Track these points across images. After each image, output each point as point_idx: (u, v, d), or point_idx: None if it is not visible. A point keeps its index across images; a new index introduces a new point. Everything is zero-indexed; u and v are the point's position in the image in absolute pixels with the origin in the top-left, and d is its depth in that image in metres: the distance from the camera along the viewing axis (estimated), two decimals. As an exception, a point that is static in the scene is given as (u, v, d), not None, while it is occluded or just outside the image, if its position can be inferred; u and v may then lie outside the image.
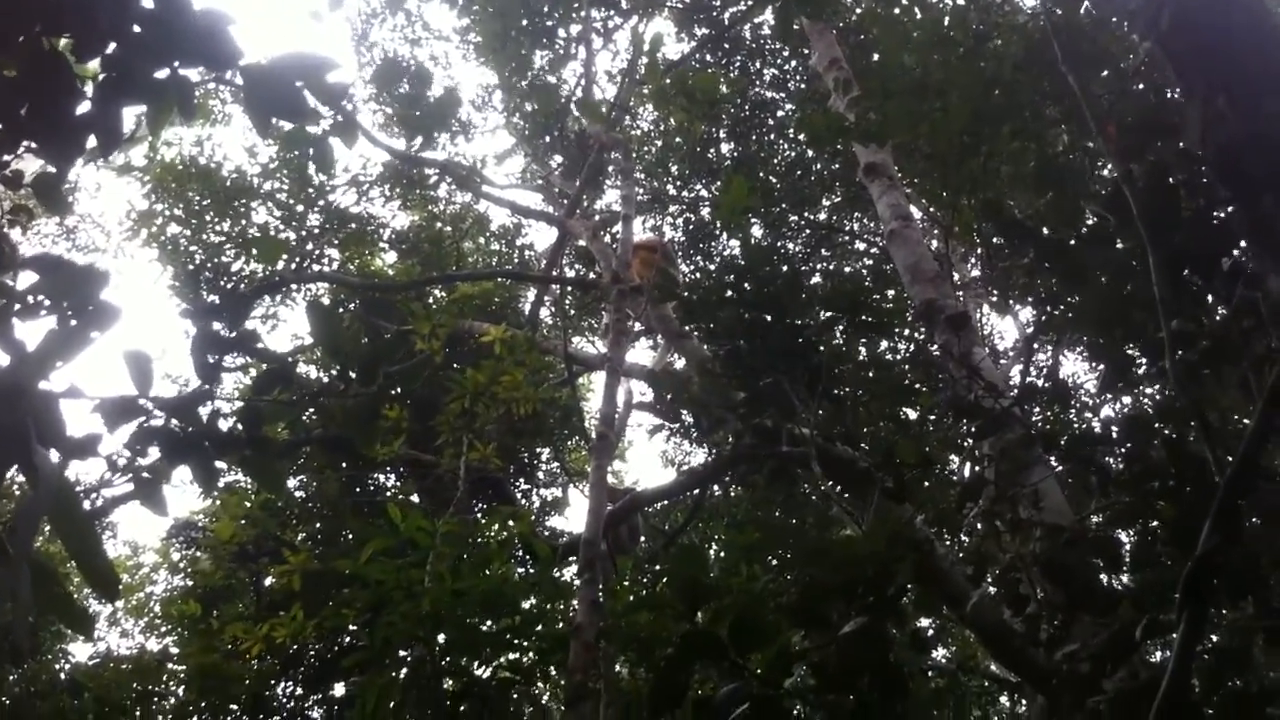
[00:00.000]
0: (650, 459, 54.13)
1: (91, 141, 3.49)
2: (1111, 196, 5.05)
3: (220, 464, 4.02)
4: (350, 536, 12.60)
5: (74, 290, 3.27)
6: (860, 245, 17.45)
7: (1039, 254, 5.05)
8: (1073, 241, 5.26)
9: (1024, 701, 15.05)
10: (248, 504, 13.21)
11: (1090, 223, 5.34)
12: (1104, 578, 5.26)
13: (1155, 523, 5.03)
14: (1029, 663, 7.46)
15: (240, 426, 3.96)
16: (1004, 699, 15.96)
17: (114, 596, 3.19)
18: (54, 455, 3.28)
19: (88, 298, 3.21)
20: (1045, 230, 5.29)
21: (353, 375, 4.18)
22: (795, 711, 6.18)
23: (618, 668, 10.53)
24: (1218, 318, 4.98)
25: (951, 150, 6.60)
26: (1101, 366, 6.09)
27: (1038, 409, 5.58)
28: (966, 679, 14.84)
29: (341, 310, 14.46)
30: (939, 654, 16.15)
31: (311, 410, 13.49)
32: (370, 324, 11.20)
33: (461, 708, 7.34)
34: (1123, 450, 5.00)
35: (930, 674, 13.82)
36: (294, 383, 4.26)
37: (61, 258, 3.49)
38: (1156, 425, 4.95)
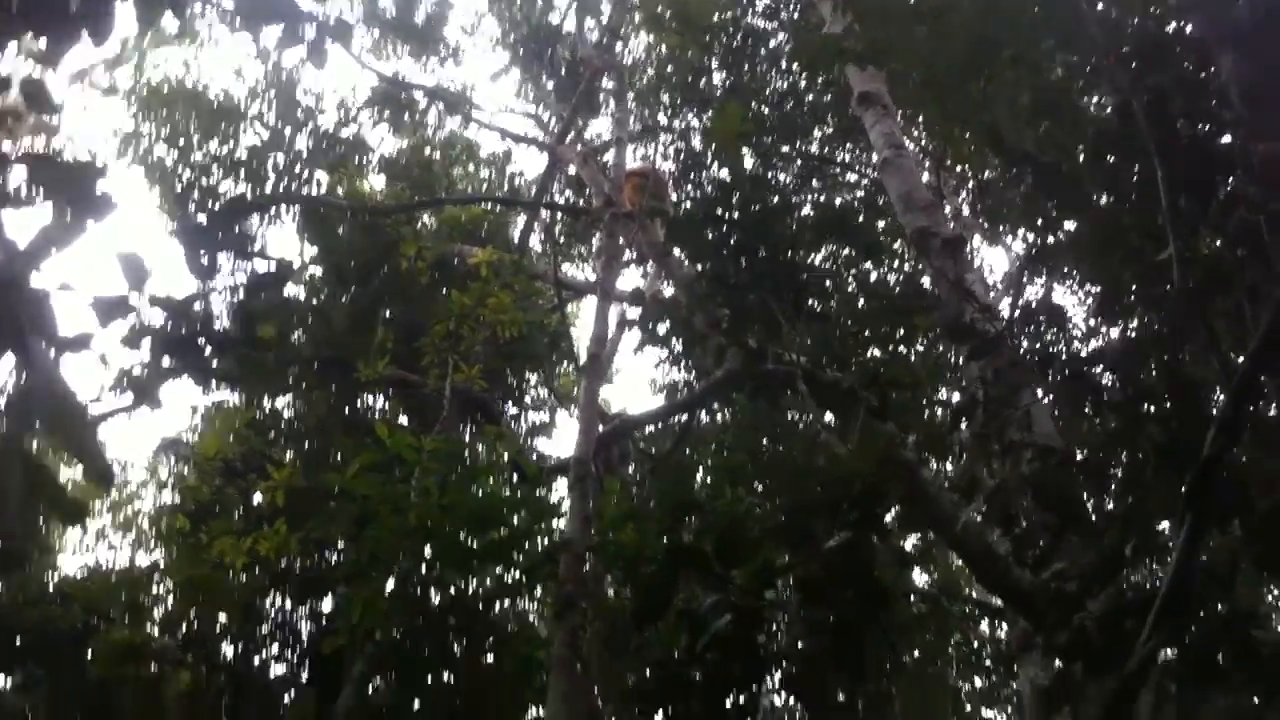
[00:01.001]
0: (639, 385, 54.07)
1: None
2: (1111, 121, 5.05)
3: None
4: (338, 457, 12.63)
5: (69, 183, 3.24)
6: (851, 177, 17.36)
7: (1037, 179, 5.04)
8: (1069, 168, 5.27)
9: (1004, 626, 15.24)
10: (235, 422, 13.22)
11: (1088, 150, 5.33)
12: (1092, 501, 5.32)
13: (1142, 451, 5.06)
14: (1013, 585, 7.51)
15: (234, 326, 3.95)
16: (985, 624, 16.14)
17: (109, 485, 3.19)
18: (45, 348, 3.27)
19: (84, 189, 3.18)
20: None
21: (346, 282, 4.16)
22: (775, 626, 6.27)
23: (609, 590, 10.66)
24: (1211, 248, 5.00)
25: (950, 76, 6.55)
26: (1095, 294, 6.10)
27: (1030, 334, 5.58)
28: (949, 604, 15.00)
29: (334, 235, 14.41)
30: (922, 580, 16.31)
31: (300, 331, 13.50)
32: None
33: (449, 620, 7.40)
34: (1116, 374, 5.02)
35: (913, 599, 13.97)
36: (287, 283, 4.25)
37: (54, 155, 3.47)
38: (1150, 351, 4.98)
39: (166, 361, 3.89)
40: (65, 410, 2.93)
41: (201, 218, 14.21)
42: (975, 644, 16.20)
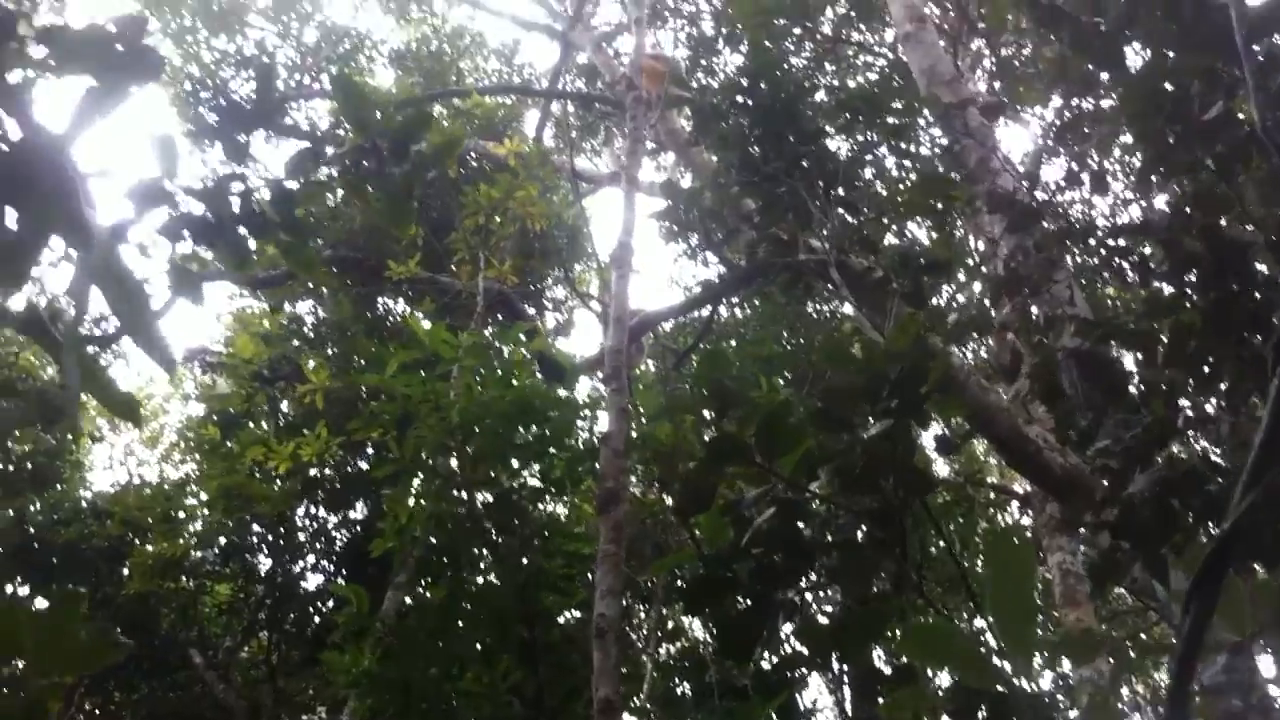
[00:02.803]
0: (652, 282, 53.90)
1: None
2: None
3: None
4: (363, 360, 12.63)
5: (108, 44, 3.09)
6: (866, 58, 17.05)
7: (1075, 39, 4.91)
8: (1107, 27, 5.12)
9: (1029, 511, 15.33)
10: (263, 326, 13.19)
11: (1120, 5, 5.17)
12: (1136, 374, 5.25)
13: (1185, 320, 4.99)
14: (1045, 469, 7.51)
15: (273, 209, 3.86)
16: (1011, 510, 16.24)
17: (171, 367, 3.12)
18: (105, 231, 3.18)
19: (129, 48, 3.03)
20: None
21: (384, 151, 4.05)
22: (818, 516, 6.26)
23: (638, 487, 10.69)
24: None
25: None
26: (1135, 159, 5.97)
27: (1068, 206, 5.50)
28: (974, 491, 15.07)
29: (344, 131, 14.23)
30: (945, 468, 16.38)
31: (319, 235, 13.38)
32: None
33: (494, 518, 7.43)
34: (1158, 243, 4.92)
35: (939, 486, 14.02)
36: (324, 161, 4.14)
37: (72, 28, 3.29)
38: (1193, 216, 4.88)
39: (205, 250, 3.82)
40: (127, 293, 2.84)
41: (196, 117, 14.02)
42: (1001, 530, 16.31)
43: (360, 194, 4.17)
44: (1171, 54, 4.80)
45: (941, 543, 14.43)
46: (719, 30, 15.41)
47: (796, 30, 16.32)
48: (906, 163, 10.87)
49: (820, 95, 14.29)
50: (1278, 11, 4.44)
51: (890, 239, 10.63)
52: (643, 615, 11.75)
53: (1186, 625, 2.02)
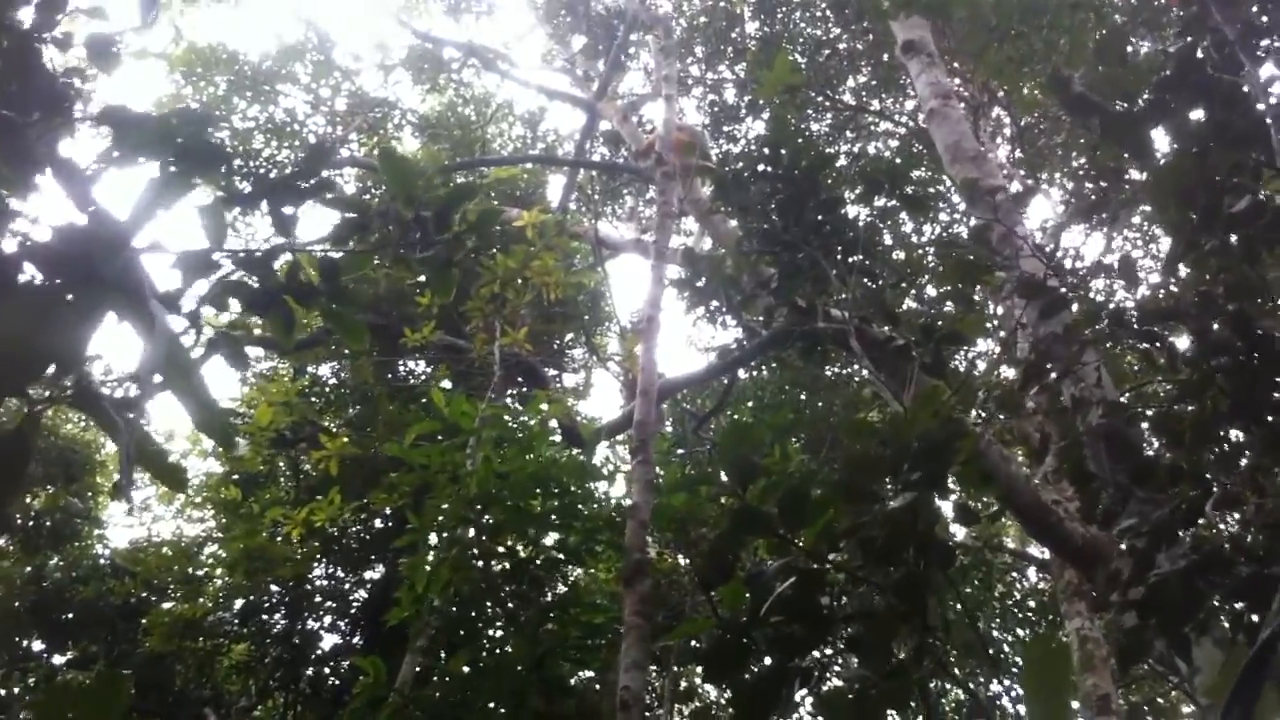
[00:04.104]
0: (672, 345, 53.86)
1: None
2: (1174, 62, 4.97)
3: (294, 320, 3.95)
4: (384, 423, 12.67)
5: (170, 137, 3.16)
6: (886, 126, 17.23)
7: (1104, 127, 4.96)
8: (1136, 114, 5.17)
9: (1048, 577, 15.28)
10: (286, 390, 13.27)
11: (1152, 96, 5.24)
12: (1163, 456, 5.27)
13: (1213, 403, 5.01)
14: (1066, 539, 7.53)
15: (319, 279, 3.90)
16: (1029, 573, 16.19)
17: (228, 444, 3.17)
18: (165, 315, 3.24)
19: (196, 141, 3.10)
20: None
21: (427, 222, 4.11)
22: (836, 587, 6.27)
23: (655, 551, 10.68)
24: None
25: (1012, 22, 6.44)
26: (1163, 245, 6.02)
27: (1096, 291, 5.55)
28: (991, 556, 15.04)
29: (369, 197, 14.38)
30: (963, 533, 16.36)
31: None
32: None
33: (511, 588, 7.43)
34: (1187, 328, 4.96)
35: (957, 551, 13.99)
36: (371, 231, 4.20)
37: (132, 109, 3.35)
38: (1222, 302, 4.91)
39: (253, 320, 3.87)
40: (183, 370, 2.90)
41: (230, 185, 14.16)
42: (1018, 595, 16.28)
43: (403, 263, 4.23)
44: (1198, 142, 4.86)
45: (959, 607, 14.42)
46: (740, 98, 15.60)
47: (818, 98, 16.52)
48: (926, 230, 10.95)
49: (841, 161, 14.47)
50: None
51: (910, 303, 10.68)
52: (655, 679, 11.70)
53: (1230, 734, 2.02)
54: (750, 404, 15.48)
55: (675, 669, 10.62)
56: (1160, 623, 4.76)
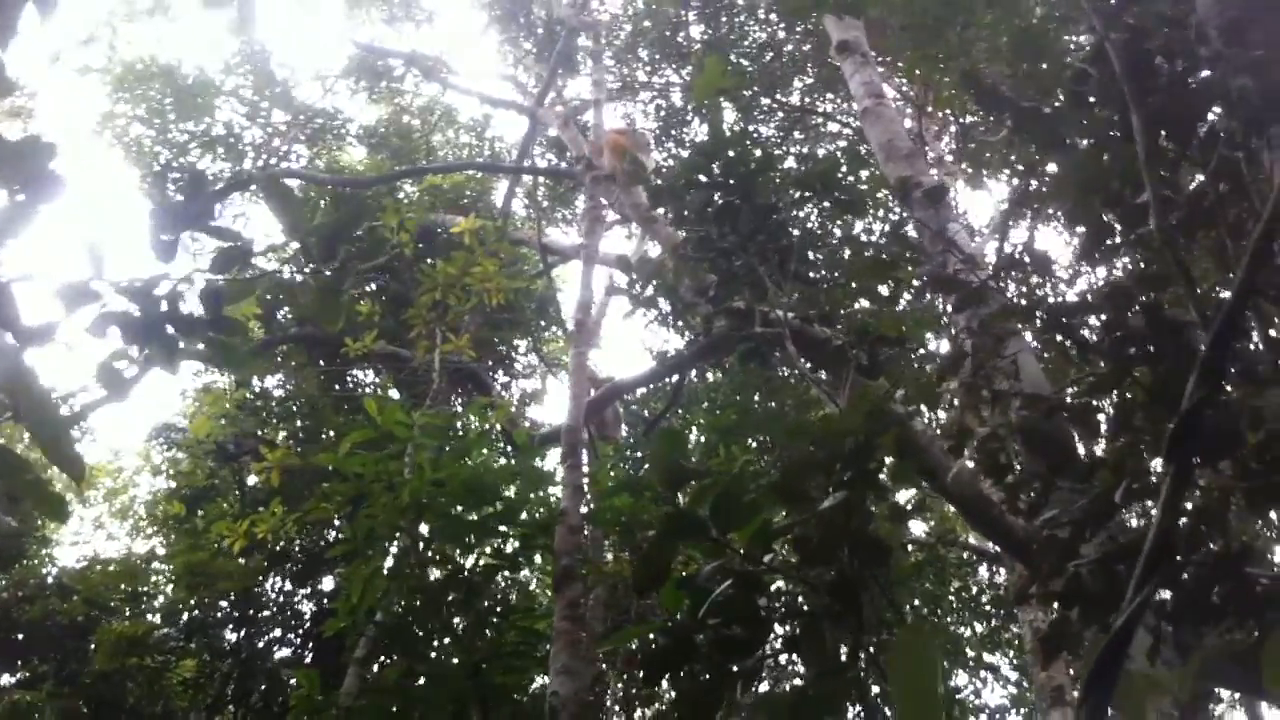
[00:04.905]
0: (631, 349, 54.17)
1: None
2: (1091, 59, 4.99)
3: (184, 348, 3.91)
4: (331, 434, 12.62)
5: (17, 164, 3.14)
6: (834, 127, 17.28)
7: (1017, 122, 4.98)
8: (1049, 110, 5.21)
9: (1002, 571, 15.36)
10: (225, 403, 13.20)
11: (1066, 92, 5.27)
12: (1082, 447, 5.29)
13: (1130, 393, 5.04)
14: (1008, 532, 7.55)
15: (201, 308, 3.87)
16: (982, 569, 16.27)
17: (81, 478, 3.13)
18: (10, 340, 3.22)
19: (34, 170, 3.08)
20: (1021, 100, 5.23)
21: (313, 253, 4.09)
22: (776, 587, 6.27)
23: (607, 554, 10.66)
24: (1193, 185, 4.96)
25: (928, 20, 6.47)
26: (1078, 238, 6.05)
27: (1015, 282, 5.54)
28: (946, 551, 15.11)
29: (314, 209, 14.31)
30: (920, 529, 16.42)
31: (287, 310, 13.44)
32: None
33: (449, 596, 7.38)
34: (1101, 319, 4.98)
35: (911, 548, 14.05)
36: (252, 261, 4.17)
37: None
38: (1134, 293, 4.94)
39: (134, 350, 3.82)
40: (35, 403, 2.87)
41: (164, 197, 14.14)
42: (974, 590, 16.36)
43: (289, 292, 4.20)
44: (1109, 134, 4.90)
45: (915, 603, 14.46)
46: (687, 102, 15.60)
47: (766, 100, 16.55)
48: (864, 236, 10.98)
49: (790, 163, 14.49)
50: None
51: (863, 302, 10.71)
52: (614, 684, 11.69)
53: (1084, 717, 2.02)
54: (705, 405, 15.50)
55: (624, 675, 10.60)
56: (1082, 613, 4.78)
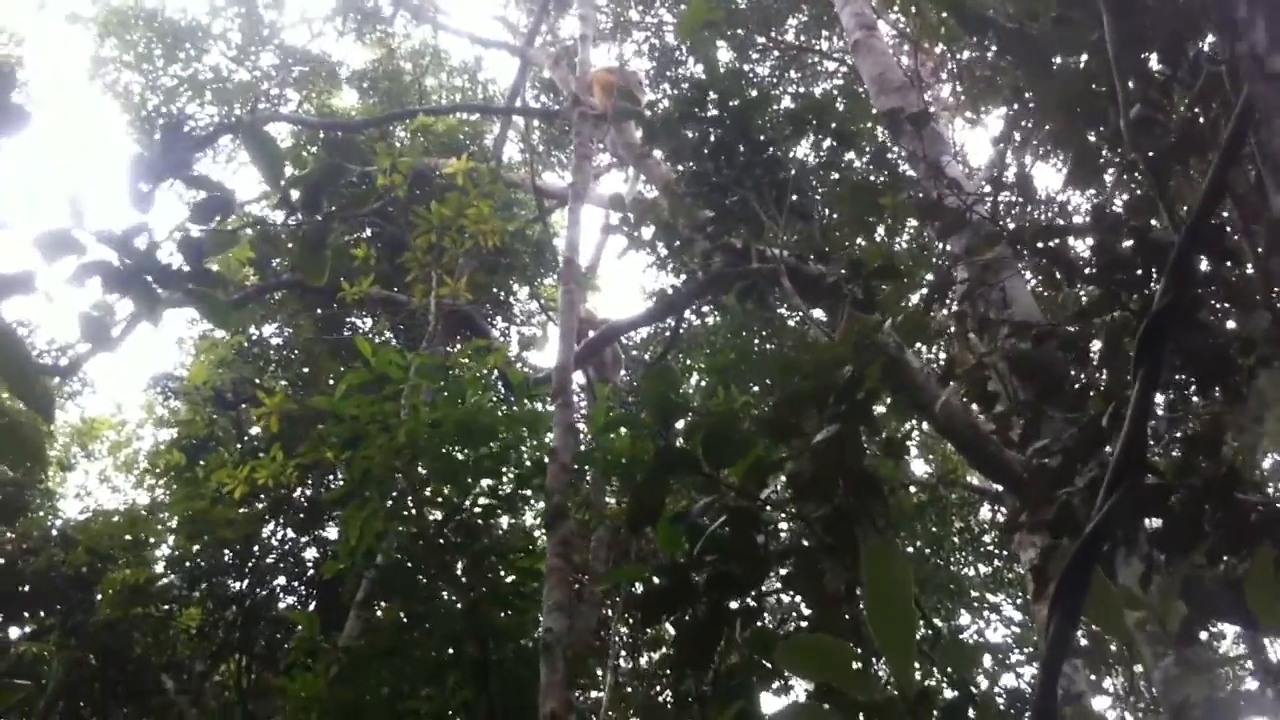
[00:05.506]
0: (630, 294, 54.12)
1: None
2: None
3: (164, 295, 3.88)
4: (330, 380, 12.61)
5: None
6: (830, 66, 17.11)
7: (1001, 45, 4.93)
8: (1034, 32, 5.14)
9: (1003, 510, 15.36)
10: (223, 351, 13.18)
11: (1051, 14, 5.21)
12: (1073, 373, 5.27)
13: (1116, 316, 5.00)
14: (1004, 466, 7.52)
15: (180, 258, 3.84)
16: (985, 509, 16.28)
17: (50, 414, 3.11)
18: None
19: None
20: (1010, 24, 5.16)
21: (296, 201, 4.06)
22: (773, 525, 6.27)
23: (609, 499, 10.67)
24: (1183, 109, 4.90)
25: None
26: (1065, 160, 6.00)
27: (1004, 208, 5.49)
28: (947, 491, 15.11)
29: (304, 154, 14.23)
30: (921, 469, 16.41)
31: (282, 257, 13.39)
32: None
33: (443, 538, 7.40)
34: (1089, 243, 4.94)
35: (912, 488, 14.05)
36: (234, 210, 4.12)
37: None
38: (1122, 217, 4.90)
39: (116, 299, 3.80)
40: (3, 345, 2.85)
41: (151, 143, 14.05)
42: (977, 531, 16.38)
43: (273, 243, 4.18)
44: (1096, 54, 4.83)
45: (918, 543, 14.48)
46: (680, 41, 15.43)
47: (761, 39, 16.38)
48: (860, 169, 10.90)
49: (786, 102, 14.35)
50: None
51: (862, 241, 10.64)
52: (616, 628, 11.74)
53: (1053, 627, 2.01)
54: (706, 350, 15.46)
55: (628, 618, 10.63)
56: (1073, 541, 4.76)
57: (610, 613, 10.50)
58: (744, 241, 8.58)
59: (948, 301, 5.55)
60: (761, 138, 8.81)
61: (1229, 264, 4.45)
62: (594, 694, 11.34)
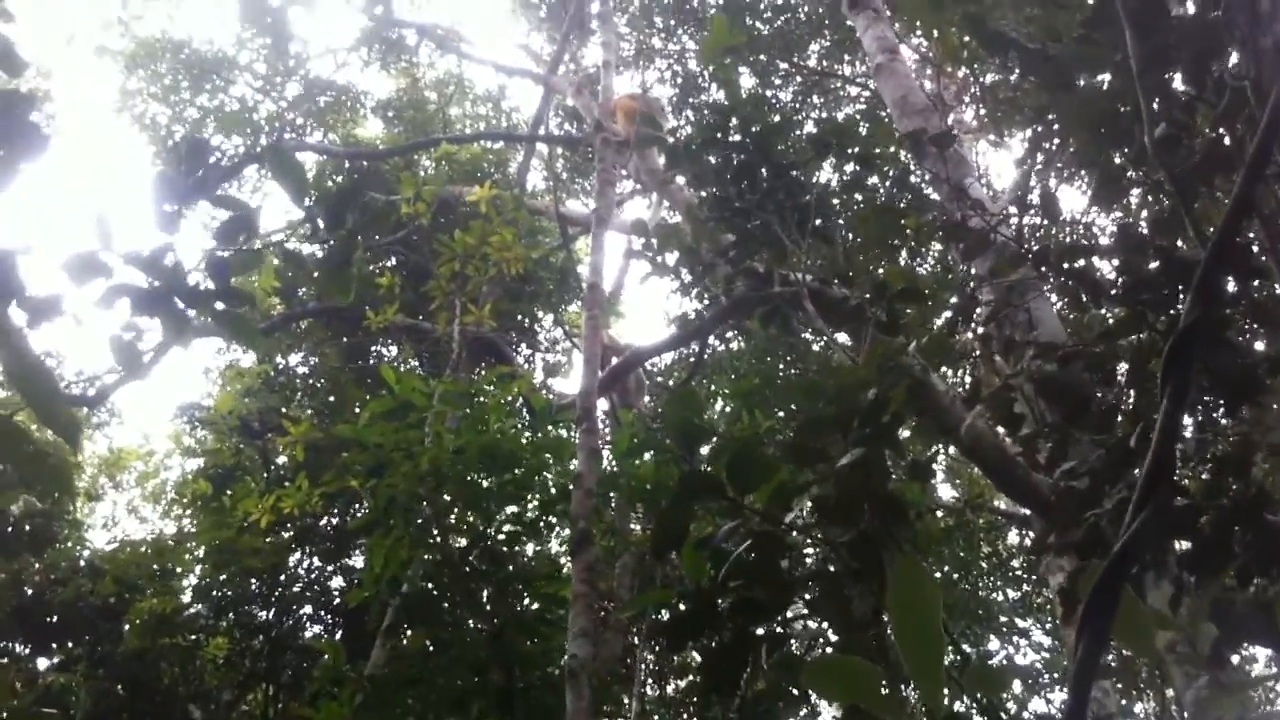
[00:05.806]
0: (653, 321, 54.18)
1: None
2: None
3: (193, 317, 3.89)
4: (356, 409, 12.64)
5: None
6: (852, 91, 17.14)
7: (1023, 66, 4.91)
8: (1055, 52, 5.13)
9: (1030, 534, 15.25)
10: (249, 380, 13.23)
11: (1074, 34, 5.20)
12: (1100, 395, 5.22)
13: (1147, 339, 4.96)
14: (1031, 489, 7.46)
15: (208, 279, 3.84)
16: (1013, 534, 16.18)
17: (77, 442, 3.10)
18: (18, 313, 3.21)
19: (12, 124, 3.04)
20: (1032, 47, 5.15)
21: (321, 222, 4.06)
22: (798, 550, 6.23)
23: (634, 525, 10.63)
24: (1207, 128, 4.87)
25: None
26: (1089, 180, 5.96)
27: (1028, 229, 5.46)
28: (974, 515, 15.01)
29: (329, 183, 14.32)
30: (949, 494, 16.32)
31: (307, 287, 13.45)
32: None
33: (472, 565, 7.39)
34: (1115, 263, 4.91)
35: (939, 512, 13.97)
36: (257, 230, 4.13)
37: None
38: (1148, 236, 4.87)
39: (144, 322, 3.80)
40: (24, 365, 2.84)
41: (168, 168, 14.13)
42: (1004, 555, 16.26)
43: (297, 264, 4.18)
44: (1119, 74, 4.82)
45: (945, 568, 14.37)
46: (703, 67, 15.49)
47: (783, 65, 16.42)
48: (882, 192, 10.89)
49: (809, 127, 14.37)
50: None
51: (886, 264, 10.62)
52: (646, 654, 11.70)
53: (1080, 649, 1.98)
54: (730, 375, 15.45)
55: (654, 645, 10.58)
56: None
57: (636, 639, 10.46)
58: (767, 266, 8.57)
59: (972, 324, 5.52)
60: (784, 162, 8.80)
61: (1256, 283, 4.41)
62: (620, 721, 11.29)
